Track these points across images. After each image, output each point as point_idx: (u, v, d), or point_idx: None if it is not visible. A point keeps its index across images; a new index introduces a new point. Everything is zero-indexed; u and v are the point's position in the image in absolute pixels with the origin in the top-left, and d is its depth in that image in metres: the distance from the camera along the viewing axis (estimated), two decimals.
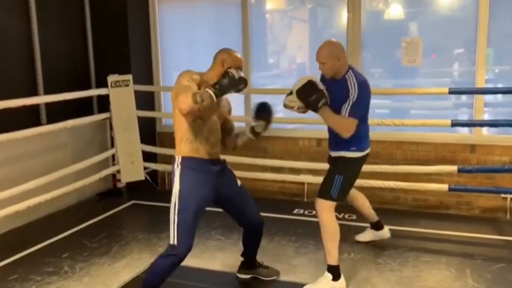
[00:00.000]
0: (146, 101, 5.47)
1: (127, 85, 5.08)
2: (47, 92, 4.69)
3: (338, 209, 4.59)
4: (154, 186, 5.50)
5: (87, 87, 5.24)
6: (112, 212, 4.79)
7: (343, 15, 4.88)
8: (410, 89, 4.72)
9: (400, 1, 4.78)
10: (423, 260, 3.57)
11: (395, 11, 4.81)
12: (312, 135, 4.96)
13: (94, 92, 5.15)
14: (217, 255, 3.73)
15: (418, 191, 4.61)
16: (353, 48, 4.75)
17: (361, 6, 4.72)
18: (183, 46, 5.46)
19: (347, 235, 4.02)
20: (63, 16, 5.06)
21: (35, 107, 4.65)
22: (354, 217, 4.44)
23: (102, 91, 5.07)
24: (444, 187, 4.35)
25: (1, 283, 3.30)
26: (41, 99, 4.61)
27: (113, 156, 5.29)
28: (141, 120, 5.25)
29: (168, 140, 5.44)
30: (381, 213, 4.51)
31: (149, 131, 5.53)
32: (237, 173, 5.16)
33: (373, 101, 4.85)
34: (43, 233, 4.18)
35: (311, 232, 4.09)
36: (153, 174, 5.50)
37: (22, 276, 3.43)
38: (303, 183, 5.00)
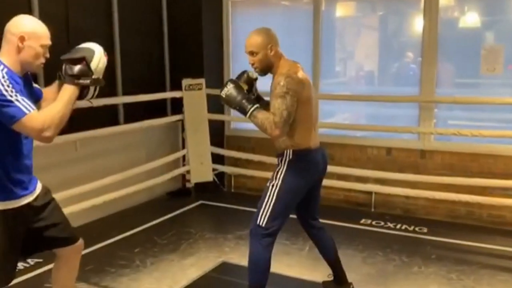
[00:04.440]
0: (216, 104, 5.59)
1: (200, 89, 5.24)
2: (125, 93, 4.92)
3: (406, 221, 4.48)
4: (221, 188, 5.61)
5: (162, 89, 5.44)
6: (181, 211, 4.93)
7: (416, 23, 4.75)
8: (484, 97, 4.52)
9: (477, 9, 4.59)
10: (499, 278, 3.39)
11: (471, 19, 4.64)
12: (382, 143, 4.87)
13: (168, 94, 5.35)
14: (283, 259, 3.74)
15: (494, 207, 4.38)
16: (429, 56, 4.62)
17: (438, 14, 4.59)
18: None
19: (421, 247, 3.92)
20: (142, 22, 5.29)
21: (114, 107, 4.88)
22: (425, 229, 4.32)
23: (176, 94, 5.26)
24: None
25: (78, 273, 3.48)
26: (120, 100, 4.84)
27: (184, 156, 5.45)
28: (210, 122, 5.38)
29: (236, 143, 5.56)
30: (454, 227, 4.37)
31: (218, 134, 5.65)
32: None
33: (448, 112, 4.80)
34: (116, 227, 4.37)
35: (379, 243, 4.03)
36: (220, 175, 5.61)
37: (97, 268, 3.60)
38: (370, 193, 4.91)
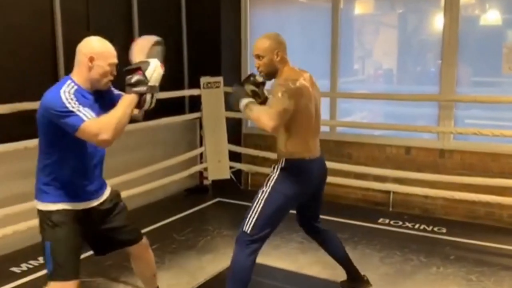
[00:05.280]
0: None
1: (217, 87, 5.26)
2: None
3: (425, 221, 4.44)
4: (238, 185, 5.63)
5: (181, 87, 5.47)
6: (198, 208, 4.97)
7: (436, 21, 4.70)
8: (505, 96, 4.44)
9: (499, 6, 4.53)
10: None
11: (492, 17, 4.57)
12: (401, 143, 4.83)
13: (187, 92, 5.38)
14: (299, 258, 3.74)
15: None
16: (450, 55, 4.57)
17: (459, 12, 4.53)
18: None
19: (439, 247, 3.89)
20: (161, 21, 5.32)
21: None
22: (444, 230, 4.27)
23: (194, 92, 5.28)
24: None
25: (97, 268, 3.51)
26: None
27: (201, 154, 5.48)
28: (228, 120, 5.40)
29: (253, 141, 5.57)
30: (473, 228, 4.32)
31: (235, 132, 5.67)
32: None
33: (467, 112, 4.74)
34: (134, 224, 4.39)
35: (397, 242, 4.00)
36: (237, 173, 5.64)
37: (116, 263, 3.64)
38: (388, 192, 4.88)
